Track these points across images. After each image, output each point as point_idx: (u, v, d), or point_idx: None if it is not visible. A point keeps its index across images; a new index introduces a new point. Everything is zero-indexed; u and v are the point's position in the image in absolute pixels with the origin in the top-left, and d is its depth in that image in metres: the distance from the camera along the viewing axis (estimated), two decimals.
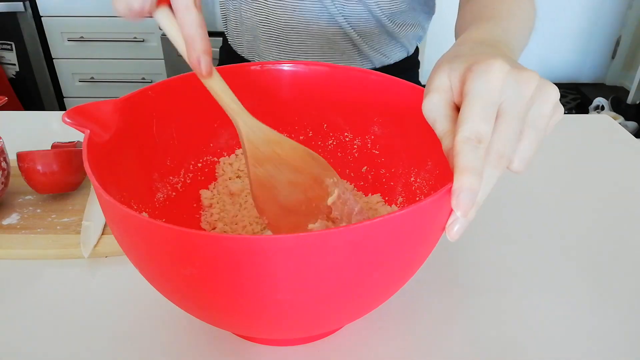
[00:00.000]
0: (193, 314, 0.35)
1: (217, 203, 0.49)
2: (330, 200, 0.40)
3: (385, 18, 0.68)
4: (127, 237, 0.31)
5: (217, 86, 0.37)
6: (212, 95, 0.37)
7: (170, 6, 0.33)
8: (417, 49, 0.81)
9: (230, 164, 0.51)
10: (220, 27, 1.95)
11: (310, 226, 0.41)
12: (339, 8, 0.66)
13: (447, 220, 0.29)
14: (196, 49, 0.33)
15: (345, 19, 0.67)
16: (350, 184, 0.52)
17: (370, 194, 0.50)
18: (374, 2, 0.66)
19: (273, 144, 0.40)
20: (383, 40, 0.71)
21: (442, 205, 0.28)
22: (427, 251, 0.34)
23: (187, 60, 0.34)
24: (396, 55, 0.75)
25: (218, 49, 0.86)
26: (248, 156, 0.40)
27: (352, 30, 0.68)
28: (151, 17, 0.33)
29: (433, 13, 0.76)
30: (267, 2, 0.67)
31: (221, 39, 0.84)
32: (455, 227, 0.29)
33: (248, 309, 0.30)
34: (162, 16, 0.33)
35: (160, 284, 0.33)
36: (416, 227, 0.29)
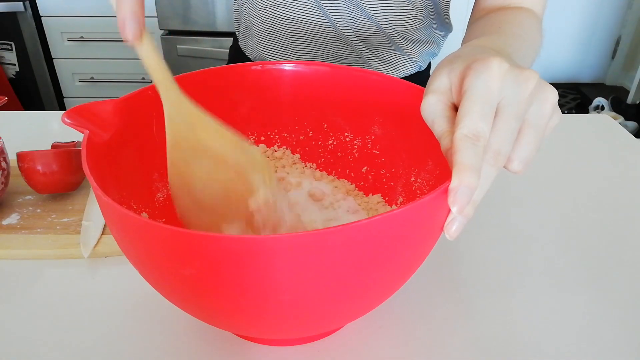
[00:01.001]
0: (193, 314, 0.35)
1: None
2: (252, 202, 0.35)
3: (397, 35, 0.67)
4: (126, 238, 0.30)
5: (145, 53, 0.33)
6: (141, 60, 0.34)
7: None
8: (429, 64, 0.80)
9: None
10: (220, 27, 1.94)
11: (224, 227, 0.36)
12: (347, 22, 0.65)
13: (445, 217, 0.29)
14: (123, 10, 0.31)
15: (354, 32, 0.66)
16: (351, 184, 0.52)
17: (370, 194, 0.50)
18: (384, 20, 0.65)
19: (197, 128, 0.35)
20: (393, 55, 0.70)
21: (441, 204, 0.28)
22: (426, 250, 0.34)
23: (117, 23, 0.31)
24: (407, 69, 0.73)
25: (227, 49, 0.87)
26: (167, 137, 0.35)
27: (361, 45, 0.67)
28: None
29: (450, 31, 0.75)
30: (275, 11, 0.67)
31: (231, 39, 0.84)
32: (453, 226, 0.29)
33: (249, 309, 0.30)
34: None
35: (159, 284, 0.33)
36: (415, 225, 0.29)
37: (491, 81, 0.28)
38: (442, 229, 0.30)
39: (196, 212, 0.37)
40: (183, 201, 0.37)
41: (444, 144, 0.29)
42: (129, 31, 0.31)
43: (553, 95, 0.30)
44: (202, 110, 0.35)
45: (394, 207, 0.48)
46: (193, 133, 0.35)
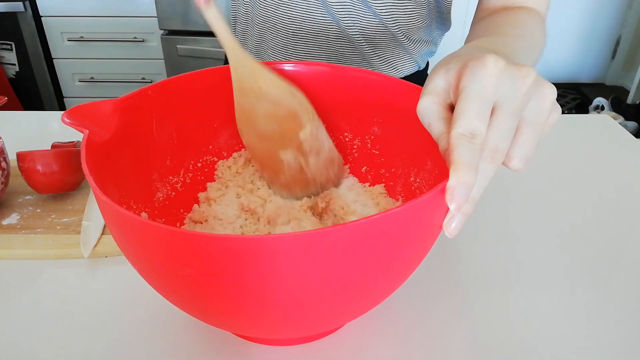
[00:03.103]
0: (193, 314, 0.35)
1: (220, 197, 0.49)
2: (302, 134, 0.44)
3: (401, 34, 0.67)
4: (125, 239, 0.31)
5: (214, 17, 0.41)
6: (210, 26, 0.41)
7: None
8: (427, 63, 0.80)
9: (229, 167, 0.51)
10: None
11: (281, 152, 0.45)
12: (352, 20, 0.65)
13: (445, 216, 0.29)
14: None
15: (358, 30, 0.66)
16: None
17: (375, 184, 0.50)
18: (389, 17, 0.65)
19: (257, 77, 0.44)
20: (396, 54, 0.70)
21: (440, 202, 0.28)
22: (426, 248, 0.34)
23: None
24: (407, 69, 0.73)
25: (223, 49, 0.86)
26: (234, 86, 0.44)
27: (364, 44, 0.67)
28: None
29: (448, 29, 0.75)
30: (277, 11, 0.67)
31: None
32: (452, 224, 0.29)
33: (248, 309, 0.30)
34: None
35: (159, 285, 0.33)
36: (415, 224, 0.29)
37: (486, 79, 0.28)
38: (441, 227, 0.30)
39: (259, 142, 0.46)
40: (248, 135, 0.46)
41: (441, 145, 0.29)
42: None
43: (551, 91, 0.30)
44: (260, 64, 0.44)
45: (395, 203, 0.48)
46: (254, 81, 0.44)
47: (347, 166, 0.52)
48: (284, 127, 0.45)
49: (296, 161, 0.45)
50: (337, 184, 0.49)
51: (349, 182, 0.50)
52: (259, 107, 0.45)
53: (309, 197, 0.47)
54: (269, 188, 0.48)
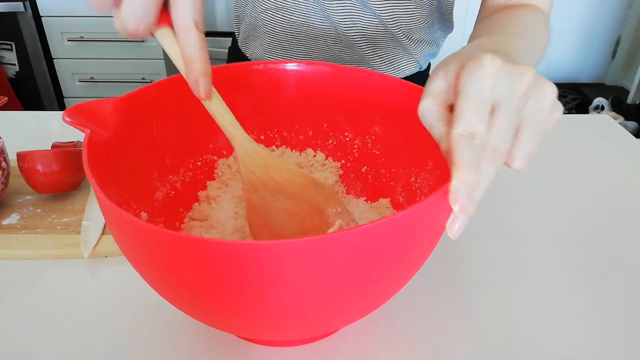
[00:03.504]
0: (193, 316, 0.35)
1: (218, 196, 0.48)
2: (330, 232, 0.38)
3: (402, 34, 0.67)
4: (126, 241, 0.30)
5: (216, 109, 0.37)
6: (212, 117, 0.37)
7: (172, 27, 0.32)
8: (429, 64, 0.80)
9: (229, 166, 0.51)
10: (220, 27, 1.94)
11: None
12: (352, 22, 0.65)
13: (448, 218, 0.29)
14: (195, 71, 0.32)
15: (358, 32, 0.66)
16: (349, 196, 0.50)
17: (380, 198, 0.49)
18: (390, 18, 0.65)
19: (270, 170, 0.39)
20: (396, 54, 0.70)
21: (443, 204, 0.28)
22: (428, 250, 0.34)
23: (187, 80, 0.34)
24: (409, 69, 0.73)
25: (227, 49, 0.86)
26: (243, 181, 0.39)
27: (364, 46, 0.67)
28: (152, 36, 0.33)
29: (451, 30, 0.75)
30: (276, 15, 0.67)
31: (230, 39, 0.84)
32: (456, 225, 0.29)
33: (250, 312, 0.30)
34: (163, 36, 0.32)
35: (160, 287, 0.33)
36: (418, 227, 0.29)
37: (484, 79, 0.28)
38: (444, 229, 0.30)
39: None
40: (262, 235, 0.40)
41: (443, 146, 0.29)
42: (202, 90, 0.34)
43: (551, 90, 0.29)
44: (273, 155, 0.39)
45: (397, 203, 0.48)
46: (268, 175, 0.39)
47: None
48: (307, 225, 0.40)
49: None
50: None
51: (354, 203, 0.49)
52: (276, 204, 0.39)
53: None
54: None
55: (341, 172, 0.52)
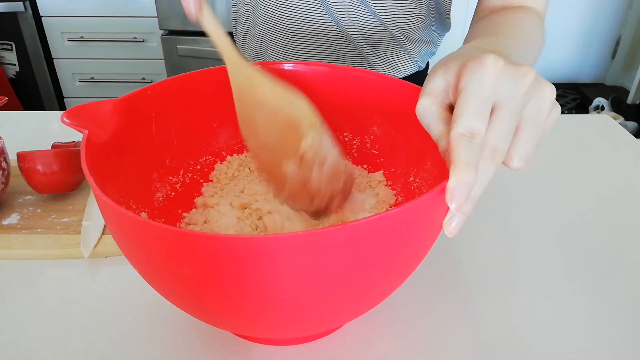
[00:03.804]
0: (193, 314, 0.35)
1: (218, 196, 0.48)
2: (303, 144, 0.42)
3: (400, 34, 0.67)
4: (125, 238, 0.31)
5: (209, 24, 0.40)
6: (206, 33, 0.40)
7: None
8: (427, 64, 0.80)
9: (225, 172, 0.50)
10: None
11: (284, 164, 0.43)
12: (352, 21, 0.65)
13: (445, 216, 0.29)
14: None
15: (357, 31, 0.66)
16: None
17: (373, 171, 0.50)
18: (388, 18, 0.65)
19: (255, 85, 0.42)
20: (395, 54, 0.70)
21: (440, 202, 0.28)
22: (426, 248, 0.34)
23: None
24: (407, 69, 0.73)
25: None
26: (234, 93, 0.43)
27: (364, 44, 0.67)
28: None
29: (448, 30, 0.75)
30: (276, 11, 0.67)
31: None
32: (452, 223, 0.29)
33: (248, 308, 0.30)
34: None
35: (159, 284, 0.33)
36: (415, 224, 0.29)
37: (486, 78, 0.28)
38: (441, 226, 0.30)
39: (262, 151, 0.45)
40: (252, 143, 0.45)
41: (441, 145, 0.29)
42: (193, 4, 0.37)
43: (551, 91, 0.30)
44: (258, 70, 0.42)
45: (393, 198, 0.48)
46: (252, 89, 0.42)
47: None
48: (285, 136, 0.44)
49: (299, 173, 0.43)
50: (345, 198, 0.46)
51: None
52: (259, 116, 0.43)
53: (317, 216, 0.45)
54: (276, 198, 0.46)
55: None
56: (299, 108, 0.43)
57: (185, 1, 0.37)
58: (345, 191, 0.46)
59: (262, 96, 0.42)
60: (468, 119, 0.27)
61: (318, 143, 0.43)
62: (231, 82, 0.43)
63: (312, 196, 0.44)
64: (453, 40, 0.82)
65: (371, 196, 0.48)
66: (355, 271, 0.29)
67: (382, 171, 0.50)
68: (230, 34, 0.82)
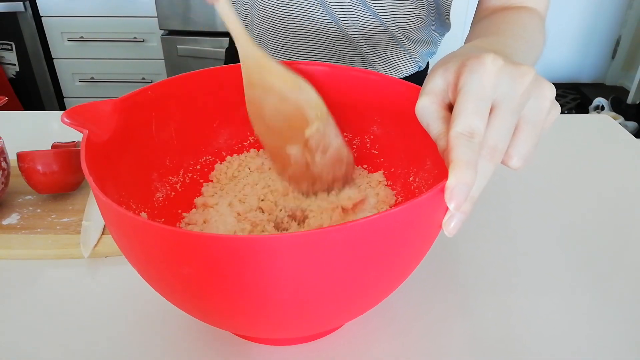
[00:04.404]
0: (192, 314, 0.35)
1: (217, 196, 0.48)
2: (307, 132, 0.44)
3: (401, 34, 0.67)
4: (124, 238, 0.31)
5: (224, 10, 0.42)
6: (221, 18, 0.42)
7: None
8: (427, 64, 0.80)
9: (225, 172, 0.50)
10: (220, 28, 1.94)
11: (288, 147, 0.45)
12: (352, 20, 0.65)
13: (444, 215, 0.29)
14: None
15: (357, 31, 0.66)
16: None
17: (374, 171, 0.50)
18: (388, 18, 0.65)
19: (264, 71, 0.44)
20: (395, 54, 0.70)
21: (439, 201, 0.28)
22: (425, 247, 0.34)
23: None
24: (408, 69, 0.73)
25: (224, 50, 0.86)
26: (244, 77, 0.45)
27: (364, 44, 0.67)
28: None
29: (448, 30, 0.75)
30: (276, 11, 0.67)
31: (227, 39, 0.84)
32: (451, 223, 0.29)
33: (248, 308, 0.30)
34: None
35: (158, 284, 0.33)
36: (414, 223, 0.29)
37: (485, 77, 0.28)
38: (441, 226, 0.30)
39: (268, 134, 0.47)
40: (258, 126, 0.47)
41: (440, 144, 0.29)
42: None
43: (550, 90, 0.30)
44: (268, 56, 0.44)
45: (393, 199, 0.48)
46: (261, 74, 0.44)
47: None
48: (291, 122, 0.45)
49: (302, 157, 0.45)
50: (346, 183, 0.48)
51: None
52: (267, 101, 0.45)
53: (315, 194, 0.47)
54: (278, 176, 0.49)
55: None
56: (307, 97, 0.44)
57: None
58: (346, 177, 0.48)
59: (271, 82, 0.44)
60: (467, 118, 0.27)
61: (322, 132, 0.44)
62: (242, 67, 0.44)
63: (313, 179, 0.46)
64: (453, 40, 0.82)
65: (371, 196, 0.48)
66: (355, 271, 0.29)
67: (382, 171, 0.50)
68: (229, 34, 0.82)
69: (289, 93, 0.44)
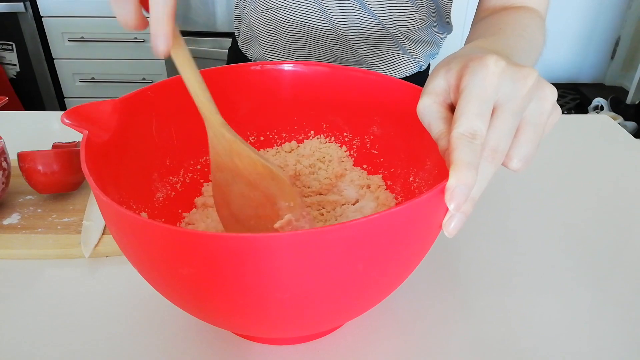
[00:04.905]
0: (193, 313, 0.35)
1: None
2: (277, 224, 0.38)
3: (401, 35, 0.67)
4: (125, 238, 0.31)
5: (194, 90, 0.35)
6: (188, 89, 0.36)
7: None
8: (429, 65, 0.80)
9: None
10: (220, 28, 1.94)
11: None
12: (352, 23, 0.65)
13: (444, 215, 0.29)
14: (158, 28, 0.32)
15: (357, 33, 0.66)
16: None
17: (373, 172, 0.50)
18: (388, 18, 0.65)
19: (234, 154, 0.39)
20: (396, 55, 0.70)
21: (439, 202, 0.28)
22: (425, 248, 0.34)
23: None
24: (408, 70, 0.73)
25: (227, 50, 0.87)
26: (211, 160, 0.40)
27: (363, 46, 0.67)
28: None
29: (450, 31, 0.75)
30: (276, 15, 0.67)
31: (230, 39, 0.84)
32: (452, 223, 0.29)
33: (248, 307, 0.30)
34: None
35: (159, 284, 0.33)
36: (414, 223, 0.29)
37: (488, 79, 0.28)
38: (441, 226, 0.30)
39: (232, 223, 0.42)
40: (223, 212, 0.42)
41: (441, 145, 0.29)
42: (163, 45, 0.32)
43: (552, 93, 0.30)
44: (239, 139, 0.38)
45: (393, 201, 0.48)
46: (231, 159, 0.39)
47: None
48: (260, 212, 0.41)
49: None
50: None
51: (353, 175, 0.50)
52: (235, 187, 0.40)
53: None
54: None
55: None
56: (280, 185, 0.40)
57: (155, 37, 0.31)
58: None
59: (241, 167, 0.39)
60: (469, 119, 0.27)
61: (295, 224, 0.39)
62: (210, 150, 0.39)
63: None
64: (453, 40, 0.83)
65: (371, 200, 0.48)
66: (355, 270, 0.29)
67: (381, 175, 0.50)
68: (232, 34, 0.82)
69: (259, 181, 0.39)
